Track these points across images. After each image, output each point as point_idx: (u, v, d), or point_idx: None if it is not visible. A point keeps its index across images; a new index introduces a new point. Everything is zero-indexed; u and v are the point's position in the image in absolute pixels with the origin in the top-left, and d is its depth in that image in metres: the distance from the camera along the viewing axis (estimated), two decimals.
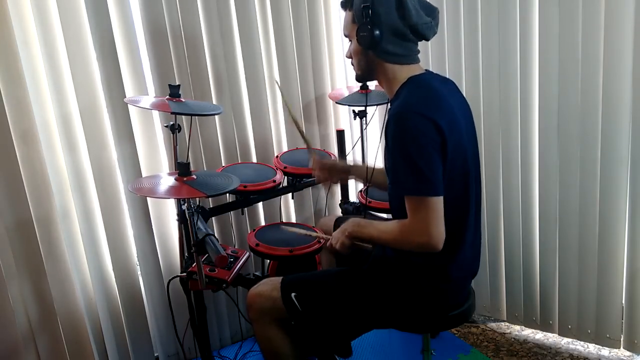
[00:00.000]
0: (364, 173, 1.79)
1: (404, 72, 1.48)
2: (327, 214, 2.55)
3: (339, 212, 2.52)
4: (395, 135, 1.38)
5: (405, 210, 1.40)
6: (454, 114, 1.44)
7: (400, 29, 1.43)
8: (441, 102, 1.43)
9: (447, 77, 1.61)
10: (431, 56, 2.30)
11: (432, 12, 1.46)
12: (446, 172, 1.39)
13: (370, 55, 1.47)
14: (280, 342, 1.61)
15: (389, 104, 1.52)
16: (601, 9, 1.84)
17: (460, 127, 1.45)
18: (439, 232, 1.36)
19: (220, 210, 2.12)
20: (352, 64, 1.56)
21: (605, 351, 2.17)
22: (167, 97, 1.86)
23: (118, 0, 1.95)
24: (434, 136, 1.36)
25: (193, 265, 1.75)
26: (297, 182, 2.21)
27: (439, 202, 1.36)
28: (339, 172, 1.86)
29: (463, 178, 1.46)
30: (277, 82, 2.21)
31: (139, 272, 2.19)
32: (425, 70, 1.53)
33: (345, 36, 1.55)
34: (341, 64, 2.56)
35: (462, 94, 1.58)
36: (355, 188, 2.66)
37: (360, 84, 2.33)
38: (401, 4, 1.40)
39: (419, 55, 1.52)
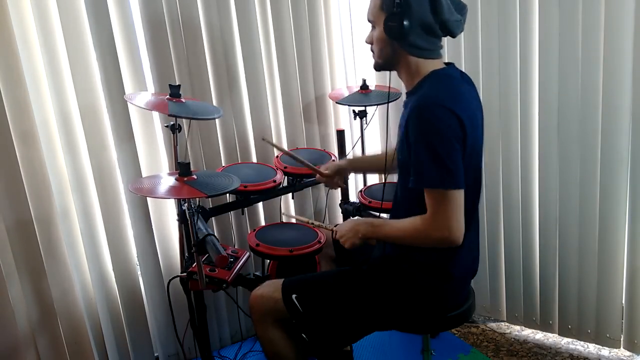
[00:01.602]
0: (363, 166, 1.81)
1: (427, 66, 1.47)
2: (327, 213, 2.55)
3: (339, 212, 2.52)
4: (418, 127, 1.36)
5: (411, 202, 1.41)
6: (473, 110, 1.44)
7: (431, 23, 1.41)
8: (463, 98, 1.42)
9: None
10: None
11: (462, 10, 1.45)
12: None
13: (395, 46, 1.45)
14: (283, 344, 1.60)
15: (406, 96, 1.51)
16: (601, 9, 1.84)
17: (478, 123, 1.46)
18: (459, 225, 1.36)
19: (220, 210, 2.12)
20: (372, 51, 1.53)
21: (605, 351, 2.17)
22: (167, 97, 1.86)
23: (118, 0, 1.95)
24: (457, 129, 1.35)
25: (193, 265, 1.74)
26: (297, 182, 2.21)
27: (460, 195, 1.36)
28: (345, 170, 1.92)
29: (474, 174, 1.46)
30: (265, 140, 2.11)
31: (139, 272, 2.19)
32: (446, 64, 1.51)
33: (369, 21, 1.51)
34: (341, 64, 2.56)
35: (476, 90, 1.56)
36: (355, 188, 2.66)
37: (360, 85, 2.33)
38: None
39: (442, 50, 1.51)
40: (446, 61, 1.52)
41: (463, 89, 1.46)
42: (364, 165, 2.06)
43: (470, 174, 1.43)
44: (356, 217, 1.67)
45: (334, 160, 2.28)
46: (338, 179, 1.93)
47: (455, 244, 1.37)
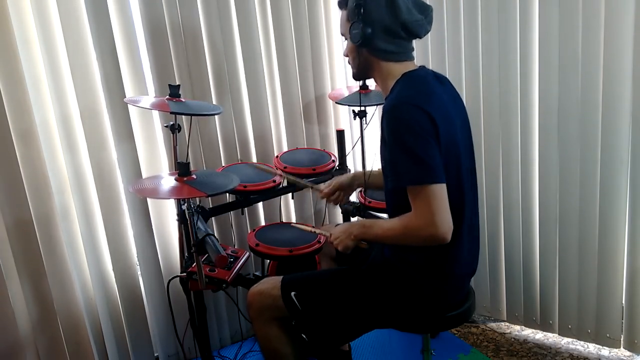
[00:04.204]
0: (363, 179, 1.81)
1: (398, 69, 1.50)
2: (327, 213, 2.55)
3: (339, 211, 2.52)
4: (391, 127, 1.38)
5: (402, 207, 1.40)
6: (447, 109, 1.45)
7: (391, 26, 1.44)
8: (434, 97, 1.44)
9: (446, 75, 1.61)
10: (431, 56, 2.30)
11: (425, 10, 1.48)
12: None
13: (364, 53, 1.49)
14: (280, 341, 1.61)
15: (384, 101, 1.53)
16: (601, 9, 1.84)
17: (454, 122, 1.46)
18: (444, 220, 1.35)
19: (220, 210, 2.12)
20: (349, 62, 1.58)
21: (605, 351, 2.17)
22: (167, 97, 1.86)
23: (118, 0, 1.95)
24: (428, 126, 1.37)
25: (193, 265, 1.74)
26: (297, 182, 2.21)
27: (441, 189, 1.36)
28: (348, 186, 1.86)
29: (456, 173, 1.47)
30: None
31: (139, 272, 2.19)
32: (420, 66, 1.54)
33: (342, 35, 1.57)
34: (341, 64, 2.56)
35: (455, 90, 1.59)
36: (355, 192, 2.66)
37: (359, 84, 2.33)
38: (392, 2, 1.42)
39: (414, 52, 1.54)
40: (421, 64, 1.55)
41: (436, 89, 1.48)
42: (370, 180, 1.86)
43: (450, 171, 1.43)
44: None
45: (333, 162, 2.27)
46: (338, 194, 1.86)
47: (444, 240, 1.36)
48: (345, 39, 1.55)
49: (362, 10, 1.42)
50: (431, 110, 1.37)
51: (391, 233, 1.46)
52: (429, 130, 1.36)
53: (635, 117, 1.87)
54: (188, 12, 2.09)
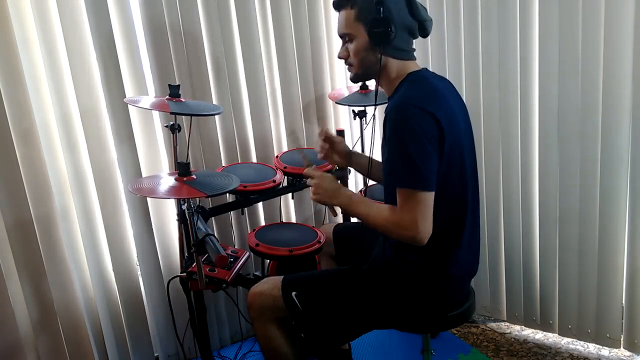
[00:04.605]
0: (364, 164, 1.80)
1: (405, 68, 1.51)
2: (327, 214, 2.55)
3: (338, 211, 2.51)
4: (393, 127, 1.39)
5: (392, 202, 1.42)
6: (452, 110, 1.46)
7: (411, 24, 1.47)
8: (439, 98, 1.44)
9: (447, 76, 1.62)
10: (431, 56, 2.30)
11: (426, 11, 1.51)
12: (443, 167, 1.40)
13: (377, 52, 1.48)
14: (280, 341, 1.61)
15: (388, 101, 1.53)
16: (601, 9, 1.84)
17: (458, 124, 1.47)
18: (426, 227, 1.37)
19: (220, 210, 2.12)
20: (350, 64, 1.55)
21: (605, 351, 2.17)
22: (167, 97, 1.86)
23: (118, 0, 1.95)
24: (432, 130, 1.37)
25: (193, 265, 1.75)
26: (297, 182, 2.21)
27: (429, 197, 1.38)
28: (340, 151, 1.84)
29: (460, 175, 1.47)
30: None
31: (139, 272, 2.19)
32: (423, 68, 1.55)
33: (343, 35, 1.54)
34: (341, 63, 2.56)
35: (458, 93, 1.59)
36: (355, 188, 2.67)
37: (360, 85, 2.33)
38: (409, 1, 1.44)
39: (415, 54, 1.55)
40: (420, 63, 1.56)
41: (442, 90, 1.48)
42: (359, 161, 1.86)
43: (454, 173, 1.44)
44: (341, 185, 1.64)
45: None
46: (334, 152, 1.83)
47: (420, 244, 1.38)
48: (348, 40, 1.53)
49: (382, 9, 1.42)
50: (436, 112, 1.37)
51: (373, 220, 1.47)
52: (431, 134, 1.37)
53: (635, 117, 1.87)
54: (188, 12, 2.09)
